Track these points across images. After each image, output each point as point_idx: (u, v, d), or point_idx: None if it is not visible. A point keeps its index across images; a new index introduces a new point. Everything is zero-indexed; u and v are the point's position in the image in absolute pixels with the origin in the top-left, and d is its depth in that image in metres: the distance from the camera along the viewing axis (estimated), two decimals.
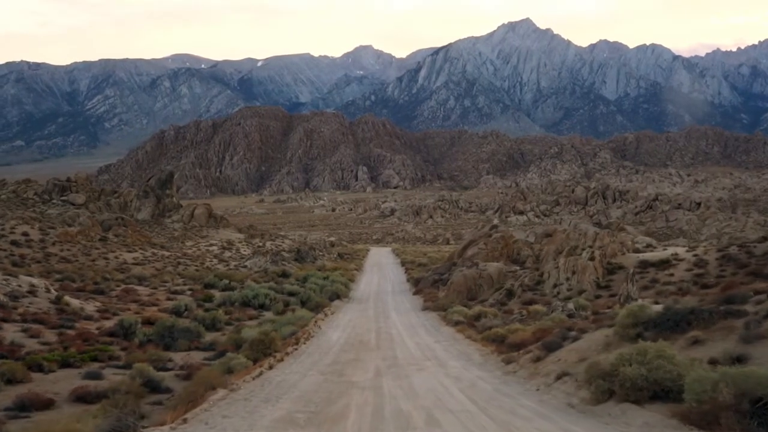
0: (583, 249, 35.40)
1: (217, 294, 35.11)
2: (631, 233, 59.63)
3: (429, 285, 42.52)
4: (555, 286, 31.38)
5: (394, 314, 31.35)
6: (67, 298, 27.40)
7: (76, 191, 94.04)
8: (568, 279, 31.14)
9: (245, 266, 54.85)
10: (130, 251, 55.02)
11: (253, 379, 13.93)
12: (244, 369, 14.44)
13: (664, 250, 35.16)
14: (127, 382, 15.17)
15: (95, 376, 16.54)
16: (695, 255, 31.67)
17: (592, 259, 31.35)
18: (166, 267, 50.49)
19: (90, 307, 27.83)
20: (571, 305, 23.06)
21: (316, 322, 25.89)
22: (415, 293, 42.67)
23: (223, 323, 26.01)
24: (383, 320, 28.83)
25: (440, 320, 27.44)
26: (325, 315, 29.45)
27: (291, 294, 35.23)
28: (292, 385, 13.62)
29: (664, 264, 31.12)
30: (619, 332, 11.44)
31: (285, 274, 46.57)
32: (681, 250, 33.23)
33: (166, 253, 58.05)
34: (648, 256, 32.66)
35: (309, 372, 15.33)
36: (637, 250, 35.04)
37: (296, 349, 18.59)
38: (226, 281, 39.07)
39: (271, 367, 15.34)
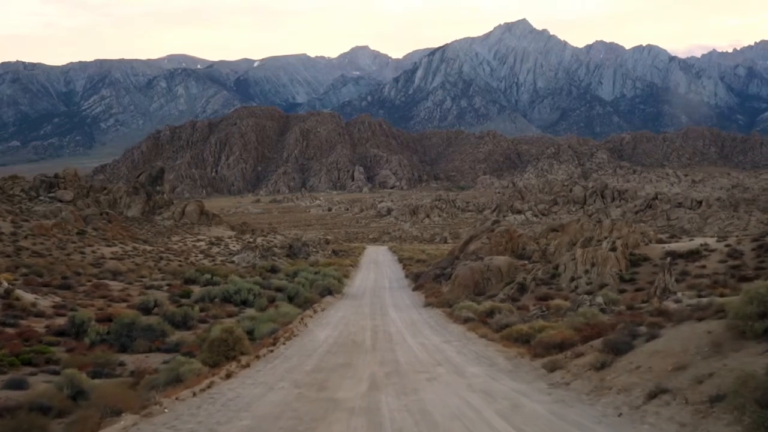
0: (599, 240, 32.17)
1: (196, 289, 31.75)
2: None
3: (430, 280, 39.17)
4: (572, 279, 28.12)
5: (393, 311, 27.99)
6: (19, 292, 23.98)
7: (64, 188, 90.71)
8: (587, 272, 27.87)
9: (232, 261, 51.44)
10: (109, 245, 51.51)
11: (195, 394, 9.92)
12: (196, 377, 10.94)
13: (691, 240, 31.93)
14: (52, 393, 11.82)
15: (18, 384, 13.22)
16: (728, 245, 28.48)
17: (613, 249, 28.07)
18: (146, 262, 47.03)
19: (45, 303, 24.43)
20: (600, 299, 19.79)
21: (302, 319, 22.47)
22: (415, 289, 39.30)
23: (195, 320, 22.68)
24: (380, 317, 25.46)
25: (446, 317, 24.07)
26: (314, 311, 26.04)
27: (278, 289, 31.89)
28: (246, 406, 9.53)
29: (693, 255, 27.92)
30: (737, 326, 7.94)
31: (274, 270, 43.20)
32: (711, 240, 30.01)
33: (149, 248, 54.53)
34: (675, 246, 29.44)
35: (279, 383, 11.34)
36: (660, 241, 31.80)
37: (271, 351, 14.92)
38: (208, 276, 35.69)
39: (228, 376, 11.50)
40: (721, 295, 19.32)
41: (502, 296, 28.29)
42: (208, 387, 10.59)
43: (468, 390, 10.59)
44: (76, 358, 15.29)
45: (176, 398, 9.52)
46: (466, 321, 21.11)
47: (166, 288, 32.98)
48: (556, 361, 11.25)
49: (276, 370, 12.83)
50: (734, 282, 24.45)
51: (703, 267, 26.67)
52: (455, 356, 14.56)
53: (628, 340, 9.92)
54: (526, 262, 38.33)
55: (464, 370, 12.69)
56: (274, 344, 15.74)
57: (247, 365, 12.83)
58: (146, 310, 24.15)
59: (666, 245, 30.04)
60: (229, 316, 24.76)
